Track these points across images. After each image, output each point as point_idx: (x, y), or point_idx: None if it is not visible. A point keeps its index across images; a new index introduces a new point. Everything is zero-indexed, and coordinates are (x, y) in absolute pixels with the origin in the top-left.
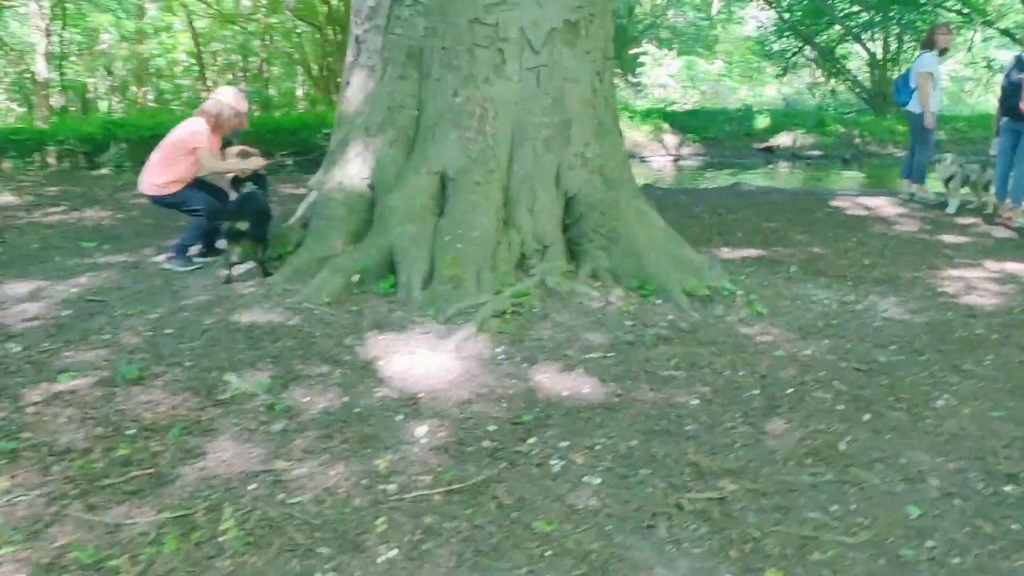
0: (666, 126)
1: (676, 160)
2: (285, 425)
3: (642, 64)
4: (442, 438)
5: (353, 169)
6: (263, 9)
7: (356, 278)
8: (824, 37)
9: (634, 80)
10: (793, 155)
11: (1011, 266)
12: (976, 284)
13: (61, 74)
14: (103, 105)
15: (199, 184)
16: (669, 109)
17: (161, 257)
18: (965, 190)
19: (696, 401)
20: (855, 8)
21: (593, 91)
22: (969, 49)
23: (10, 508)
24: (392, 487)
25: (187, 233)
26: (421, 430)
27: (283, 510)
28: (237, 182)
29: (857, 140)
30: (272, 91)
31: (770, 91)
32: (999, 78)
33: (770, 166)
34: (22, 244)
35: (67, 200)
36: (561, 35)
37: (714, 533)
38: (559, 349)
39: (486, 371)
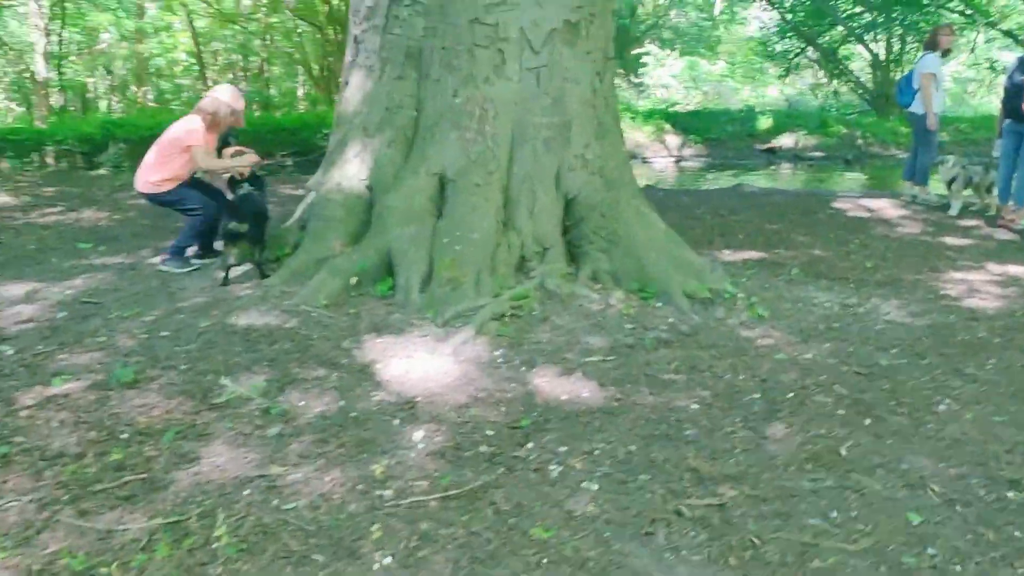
0: (668, 127)
1: (678, 161)
2: (281, 429)
3: (644, 64)
4: (439, 443)
5: (351, 170)
6: (263, 8)
7: (354, 280)
8: (827, 38)
9: (636, 81)
10: (795, 156)
11: (1013, 269)
12: (978, 287)
13: (60, 74)
14: (103, 105)
15: (195, 184)
16: (671, 110)
17: (158, 258)
18: (968, 192)
19: (696, 405)
20: (858, 9)
21: (593, 91)
22: (972, 50)
23: (1, 514)
24: (388, 493)
25: (184, 234)
26: (418, 435)
27: (278, 516)
28: (234, 183)
29: (859, 141)
30: (273, 91)
31: (772, 92)
32: (1002, 79)
33: (772, 167)
34: (18, 245)
35: (64, 200)
36: (561, 35)
37: (714, 540)
38: (558, 352)
39: (484, 375)
